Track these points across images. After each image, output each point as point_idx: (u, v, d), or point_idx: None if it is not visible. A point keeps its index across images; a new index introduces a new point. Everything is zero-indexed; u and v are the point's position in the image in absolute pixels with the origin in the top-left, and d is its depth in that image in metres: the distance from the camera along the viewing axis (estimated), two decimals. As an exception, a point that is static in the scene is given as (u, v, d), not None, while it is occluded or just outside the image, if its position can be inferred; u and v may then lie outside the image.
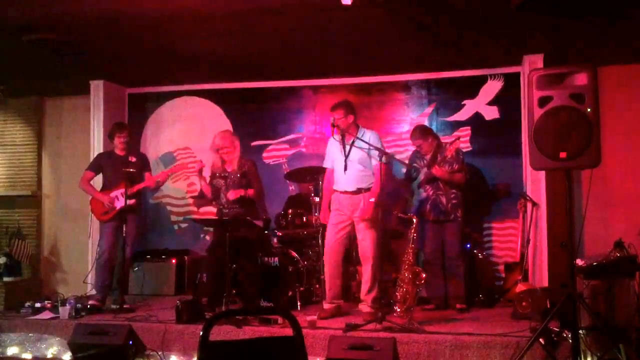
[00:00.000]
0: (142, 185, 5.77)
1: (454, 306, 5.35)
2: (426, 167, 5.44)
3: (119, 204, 5.64)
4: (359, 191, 5.00)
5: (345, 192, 5.04)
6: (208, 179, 5.66)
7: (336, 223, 5.07)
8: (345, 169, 5.01)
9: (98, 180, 6.00)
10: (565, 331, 3.99)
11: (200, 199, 5.91)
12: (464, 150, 6.14)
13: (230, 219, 5.38)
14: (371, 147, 4.95)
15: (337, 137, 5.12)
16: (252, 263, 5.49)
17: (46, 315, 5.29)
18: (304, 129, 6.94)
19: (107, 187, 5.80)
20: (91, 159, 6.22)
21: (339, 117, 5.01)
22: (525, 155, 5.88)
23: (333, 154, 5.18)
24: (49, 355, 4.91)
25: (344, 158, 5.04)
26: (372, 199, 4.96)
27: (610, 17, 4.96)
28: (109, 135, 5.94)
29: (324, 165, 5.31)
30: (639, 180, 6.07)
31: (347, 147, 5.05)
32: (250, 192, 5.47)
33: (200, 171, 5.57)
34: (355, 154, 5.02)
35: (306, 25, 5.16)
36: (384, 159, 4.99)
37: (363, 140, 4.96)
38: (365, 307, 4.97)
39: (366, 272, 4.99)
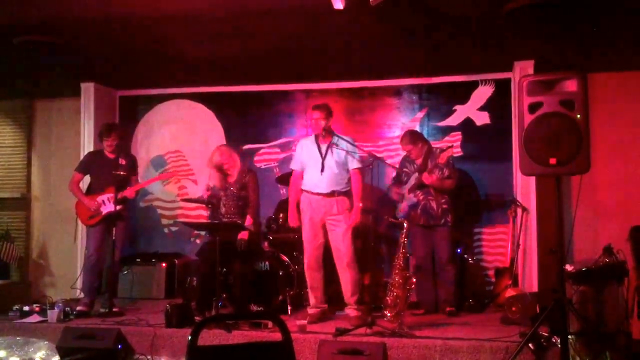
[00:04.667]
0: (124, 194, 5.58)
1: (444, 311, 5.36)
2: (417, 172, 5.46)
3: (106, 208, 5.54)
4: (332, 194, 5.00)
5: (319, 194, 5.03)
6: (208, 193, 5.57)
7: (311, 227, 5.05)
8: (322, 170, 5.02)
9: (85, 181, 5.89)
10: (555, 336, 4.01)
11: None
12: (455, 155, 6.16)
13: (219, 222, 5.36)
14: (351, 151, 5.03)
15: (311, 139, 5.16)
16: (242, 267, 5.47)
17: (34, 318, 5.25)
18: (295, 132, 6.94)
19: (94, 190, 5.67)
20: (81, 162, 6.15)
21: (317, 118, 5.05)
22: (515, 161, 5.91)
23: (303, 156, 5.17)
24: (37, 359, 4.87)
25: (320, 160, 5.04)
26: (360, 204, 5.00)
27: (600, 25, 5.00)
28: (99, 136, 5.84)
29: (291, 167, 5.31)
30: (629, 186, 6.11)
31: (324, 149, 5.06)
32: (249, 222, 5.42)
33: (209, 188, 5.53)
34: (332, 156, 5.04)
35: (298, 29, 5.16)
36: (357, 163, 5.06)
37: (343, 141, 5.05)
38: (352, 311, 4.96)
39: (345, 275, 4.98)
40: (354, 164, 5.08)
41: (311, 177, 5.08)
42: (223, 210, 5.48)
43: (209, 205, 5.75)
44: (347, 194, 5.08)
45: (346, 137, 5.18)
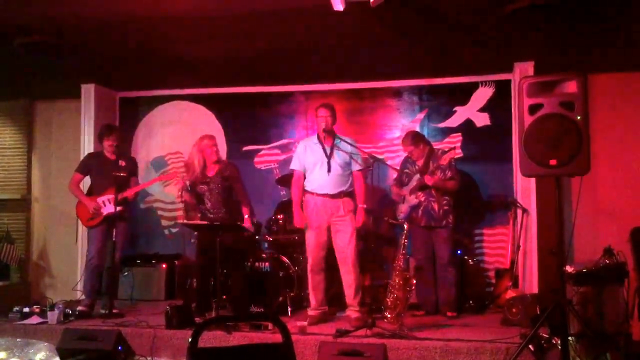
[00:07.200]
0: (125, 195, 5.58)
1: (444, 312, 5.35)
2: (418, 173, 5.45)
3: (106, 209, 5.55)
4: (339, 194, 5.00)
5: (325, 195, 5.01)
6: (188, 188, 5.52)
7: (316, 228, 5.03)
8: (329, 170, 5.01)
9: (86, 182, 5.90)
10: (555, 338, 4.01)
11: (190, 211, 5.83)
12: (456, 156, 6.15)
13: (221, 223, 5.36)
14: (354, 152, 5.04)
15: (314, 139, 5.16)
16: (241, 268, 5.46)
17: (34, 320, 5.25)
18: (296, 134, 6.94)
19: (94, 191, 5.68)
20: (81, 163, 6.15)
21: (325, 115, 5.04)
22: (515, 162, 5.91)
23: (307, 157, 5.14)
24: (37, 361, 4.87)
25: (327, 160, 5.03)
26: (364, 206, 4.99)
27: (601, 26, 5.00)
28: (99, 137, 5.85)
29: (292, 167, 5.26)
30: (629, 187, 6.10)
31: (329, 150, 5.06)
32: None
33: (184, 186, 5.46)
34: (337, 157, 5.04)
35: (298, 31, 5.16)
36: (359, 165, 5.07)
37: (346, 142, 5.03)
38: (353, 313, 4.96)
39: (348, 277, 4.98)
40: (356, 166, 5.08)
41: (317, 177, 5.05)
42: (209, 205, 5.43)
43: (188, 203, 5.65)
44: (351, 195, 5.07)
45: (347, 139, 5.17)
